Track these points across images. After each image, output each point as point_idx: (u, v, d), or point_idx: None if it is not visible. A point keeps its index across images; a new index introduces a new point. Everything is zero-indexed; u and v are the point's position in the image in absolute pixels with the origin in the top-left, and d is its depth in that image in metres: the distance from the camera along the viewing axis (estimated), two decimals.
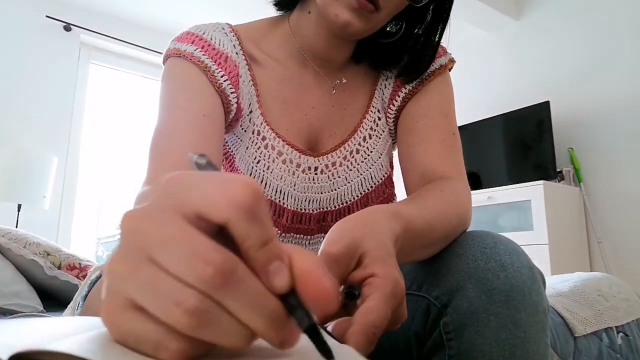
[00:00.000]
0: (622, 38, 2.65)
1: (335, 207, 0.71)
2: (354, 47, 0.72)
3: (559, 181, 2.69)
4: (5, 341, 0.22)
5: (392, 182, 0.78)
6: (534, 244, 2.43)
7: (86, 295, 0.44)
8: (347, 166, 0.71)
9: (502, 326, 0.46)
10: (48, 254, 1.45)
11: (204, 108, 0.60)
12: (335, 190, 0.71)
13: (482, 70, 3.29)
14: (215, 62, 0.63)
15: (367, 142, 0.72)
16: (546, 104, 2.70)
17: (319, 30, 0.68)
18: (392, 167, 0.79)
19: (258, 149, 0.68)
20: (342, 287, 0.37)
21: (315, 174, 0.70)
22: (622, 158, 2.60)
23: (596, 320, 1.08)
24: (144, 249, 0.22)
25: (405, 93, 0.71)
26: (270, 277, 0.23)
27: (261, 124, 0.68)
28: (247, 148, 0.68)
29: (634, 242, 2.51)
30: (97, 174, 3.39)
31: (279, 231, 0.70)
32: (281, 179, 0.68)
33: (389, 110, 0.73)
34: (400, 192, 0.69)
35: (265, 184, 0.68)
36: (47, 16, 3.12)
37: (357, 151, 0.72)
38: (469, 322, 0.47)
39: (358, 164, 0.72)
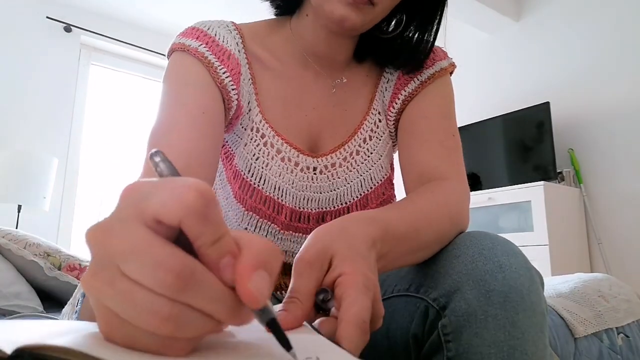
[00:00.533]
0: (623, 39, 2.65)
1: (334, 207, 0.71)
2: (355, 46, 0.73)
3: (559, 182, 2.69)
4: (9, 337, 0.22)
5: (392, 184, 0.78)
6: (534, 245, 2.43)
7: (85, 293, 0.44)
8: (347, 167, 0.71)
9: (500, 327, 0.45)
10: (48, 255, 1.45)
11: (204, 105, 0.60)
12: (334, 190, 0.71)
13: (482, 72, 3.29)
14: (218, 58, 0.64)
15: (368, 144, 0.72)
16: (546, 105, 2.70)
17: (318, 31, 0.68)
18: (392, 169, 0.79)
19: (257, 146, 0.68)
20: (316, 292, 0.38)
21: (314, 173, 0.70)
22: (622, 159, 2.60)
23: (596, 321, 1.08)
24: (112, 262, 0.23)
25: (405, 95, 0.71)
26: (220, 273, 0.25)
27: (260, 121, 0.68)
28: (245, 145, 0.68)
29: (634, 243, 2.51)
30: (97, 175, 3.39)
31: (278, 228, 0.70)
32: (279, 176, 0.68)
33: (389, 112, 0.73)
34: (400, 194, 0.69)
35: (264, 181, 0.68)
36: (47, 17, 3.13)
37: (357, 152, 0.72)
38: (467, 324, 0.47)
39: (358, 165, 0.72)
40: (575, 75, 2.82)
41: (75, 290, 0.52)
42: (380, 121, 0.74)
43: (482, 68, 3.29)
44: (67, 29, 3.21)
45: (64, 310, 0.91)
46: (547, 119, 2.68)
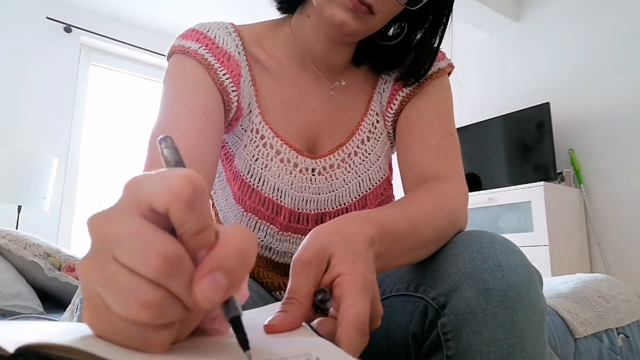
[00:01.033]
0: (622, 39, 2.66)
1: (333, 208, 0.71)
2: (353, 51, 0.73)
3: (559, 182, 2.69)
4: (11, 337, 0.22)
5: (391, 184, 0.78)
6: (535, 245, 2.43)
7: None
8: (345, 168, 0.71)
9: (499, 326, 0.46)
10: (48, 255, 1.45)
11: (204, 106, 0.61)
12: (333, 191, 0.71)
13: (482, 72, 3.29)
14: (218, 60, 0.64)
15: (365, 145, 0.73)
16: (546, 106, 2.70)
17: (318, 34, 0.68)
18: (391, 169, 0.79)
19: (256, 147, 0.68)
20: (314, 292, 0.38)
21: (313, 175, 0.70)
22: (622, 159, 2.60)
23: (597, 322, 1.08)
24: (106, 248, 0.24)
25: (403, 96, 0.72)
26: (196, 265, 0.26)
27: (260, 122, 0.68)
28: (245, 146, 0.69)
29: (635, 243, 2.51)
30: (97, 175, 3.39)
31: (277, 229, 0.70)
32: (279, 177, 0.68)
33: (387, 113, 0.73)
34: (399, 194, 0.69)
35: (263, 182, 0.68)
36: (47, 17, 3.13)
37: (355, 153, 0.72)
38: (467, 323, 0.47)
39: (356, 166, 0.72)
40: (576, 76, 2.82)
41: (74, 296, 0.52)
42: (378, 122, 0.74)
43: (482, 68, 3.29)
44: (67, 29, 3.21)
45: (62, 317, 0.90)
46: (547, 119, 2.68)
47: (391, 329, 0.55)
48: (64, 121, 3.16)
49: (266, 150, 0.68)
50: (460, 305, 0.48)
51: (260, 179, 0.68)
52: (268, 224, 0.70)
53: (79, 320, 0.43)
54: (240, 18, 0.74)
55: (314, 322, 0.36)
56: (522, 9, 3.14)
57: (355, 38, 0.66)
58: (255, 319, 0.34)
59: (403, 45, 0.71)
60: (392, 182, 0.79)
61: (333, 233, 0.41)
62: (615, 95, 2.65)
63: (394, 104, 0.72)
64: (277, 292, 0.73)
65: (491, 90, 3.23)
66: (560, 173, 2.72)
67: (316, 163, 0.70)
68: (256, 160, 0.68)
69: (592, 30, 2.78)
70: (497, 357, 0.45)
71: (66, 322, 0.62)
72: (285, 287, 0.71)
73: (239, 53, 0.68)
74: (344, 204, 0.72)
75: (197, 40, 0.65)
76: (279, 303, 0.36)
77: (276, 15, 0.76)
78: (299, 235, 0.71)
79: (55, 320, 1.12)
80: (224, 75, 0.64)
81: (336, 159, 0.71)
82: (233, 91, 0.65)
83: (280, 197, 0.69)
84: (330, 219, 0.71)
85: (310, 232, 0.42)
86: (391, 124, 0.74)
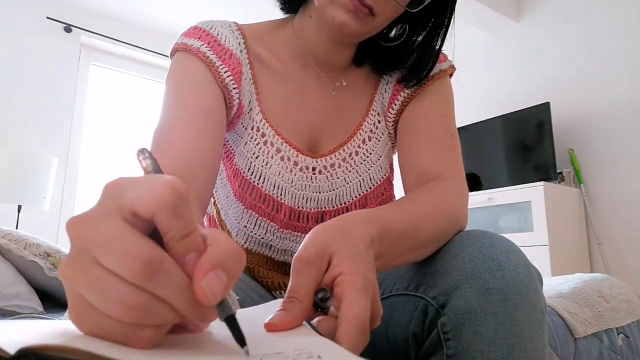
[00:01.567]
0: (622, 39, 2.66)
1: (333, 207, 0.72)
2: (354, 52, 0.73)
3: (559, 182, 2.69)
4: (11, 338, 0.23)
5: (392, 184, 0.78)
6: (534, 245, 2.43)
7: None
8: (346, 167, 0.71)
9: (499, 325, 0.46)
10: (48, 255, 1.45)
11: (205, 105, 0.61)
12: (333, 190, 0.71)
13: (482, 72, 3.29)
14: (220, 58, 0.64)
15: (367, 144, 0.73)
16: (546, 105, 2.70)
17: (320, 35, 0.69)
18: (392, 169, 0.79)
19: (257, 144, 0.68)
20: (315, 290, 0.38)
21: (314, 173, 0.70)
22: (622, 159, 2.60)
23: (596, 322, 1.08)
24: (88, 251, 0.25)
25: (404, 97, 0.72)
26: (185, 267, 0.26)
27: (260, 120, 0.68)
28: (246, 144, 0.69)
29: (634, 243, 2.51)
30: (97, 175, 3.39)
31: (277, 226, 0.70)
32: (279, 174, 0.68)
33: (388, 113, 0.73)
34: (400, 194, 0.69)
35: (264, 179, 0.68)
36: (47, 17, 3.13)
37: (357, 153, 0.72)
38: (467, 322, 0.47)
39: (357, 166, 0.72)
40: (576, 76, 2.82)
41: None
42: (379, 122, 0.74)
43: (483, 68, 3.29)
44: (67, 29, 3.21)
45: (63, 316, 0.90)
46: (547, 119, 2.68)
47: (391, 329, 0.55)
48: (64, 121, 3.16)
49: (267, 147, 0.68)
50: (460, 304, 0.48)
51: (260, 176, 0.68)
52: (268, 221, 0.70)
53: None
54: (242, 18, 0.74)
55: (314, 321, 0.36)
56: (523, 9, 3.14)
57: (356, 39, 0.66)
58: (255, 316, 0.34)
59: (404, 47, 0.71)
60: (393, 182, 0.80)
61: (334, 232, 0.41)
62: (615, 95, 2.65)
63: (396, 105, 0.72)
64: (277, 292, 0.73)
65: (491, 90, 3.23)
66: (560, 173, 2.72)
67: (317, 162, 0.70)
68: (257, 157, 0.68)
69: (592, 30, 2.78)
70: (497, 356, 0.45)
71: (67, 319, 0.62)
72: (286, 286, 0.71)
73: (240, 51, 0.68)
74: (345, 203, 0.72)
75: (199, 38, 0.65)
76: (279, 301, 0.36)
77: (279, 15, 0.76)
78: (299, 234, 0.71)
79: (55, 320, 1.12)
80: (225, 72, 0.64)
81: (337, 159, 0.71)
82: (234, 89, 0.65)
83: (281, 195, 0.69)
84: (330, 218, 0.71)
85: (311, 230, 0.42)
86: (392, 124, 0.74)
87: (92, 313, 0.25)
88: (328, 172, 0.71)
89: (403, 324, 0.54)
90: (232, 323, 0.28)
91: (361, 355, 0.32)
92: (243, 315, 0.32)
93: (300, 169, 0.69)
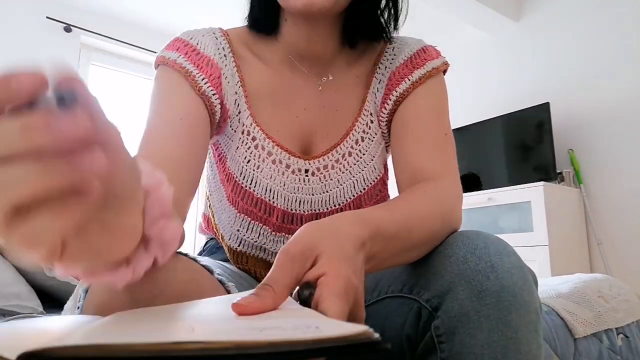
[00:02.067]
0: (622, 39, 2.66)
1: (327, 209, 0.71)
2: (338, 39, 0.72)
3: (559, 182, 2.69)
4: (10, 344, 0.23)
5: (386, 185, 0.78)
6: (534, 245, 2.43)
7: (87, 289, 0.44)
8: (340, 169, 0.71)
9: (493, 328, 0.45)
10: None
11: (182, 112, 0.62)
12: (327, 192, 0.71)
13: (482, 72, 3.29)
14: (197, 66, 0.65)
15: (360, 145, 0.72)
16: (546, 105, 2.70)
17: (298, 30, 0.69)
18: (386, 170, 0.78)
19: (248, 148, 0.68)
20: (297, 287, 0.38)
21: (306, 176, 0.70)
22: (622, 159, 2.60)
23: (596, 322, 1.08)
24: None
25: (397, 96, 0.71)
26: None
27: (250, 124, 0.68)
28: (237, 148, 0.69)
29: (634, 243, 2.51)
30: None
31: (270, 229, 0.70)
32: (271, 178, 0.68)
33: (381, 113, 0.73)
34: (395, 195, 0.69)
35: (255, 183, 0.69)
36: (47, 17, 3.13)
37: (350, 154, 0.72)
38: (460, 325, 0.47)
39: (350, 167, 0.72)
40: (575, 76, 2.82)
41: (77, 286, 0.53)
42: (372, 122, 0.73)
43: (482, 68, 3.29)
44: (67, 29, 3.21)
45: (66, 305, 0.91)
46: (547, 119, 2.68)
47: (386, 331, 0.55)
48: None
49: (257, 151, 0.68)
50: (453, 307, 0.47)
51: (252, 180, 0.68)
52: (261, 225, 0.70)
53: (82, 310, 0.43)
54: (242, 18, 0.74)
55: None
56: (522, 9, 3.14)
57: (330, 11, 0.65)
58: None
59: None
60: (388, 182, 0.79)
61: (325, 232, 0.41)
62: (615, 95, 2.65)
63: (388, 104, 0.72)
64: None
65: (491, 90, 3.23)
66: (560, 173, 2.72)
67: (309, 164, 0.70)
68: (248, 161, 0.68)
69: (592, 30, 2.78)
70: (492, 359, 0.45)
71: (69, 312, 0.62)
72: None
73: (224, 55, 0.69)
74: (339, 204, 0.72)
75: (177, 50, 0.66)
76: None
77: None
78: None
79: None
80: (202, 80, 0.64)
81: (330, 160, 0.71)
82: (213, 94, 0.65)
83: (273, 198, 0.69)
84: None
85: (304, 226, 0.42)
86: (385, 124, 0.73)
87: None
88: (321, 173, 0.70)
89: (398, 326, 0.54)
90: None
91: (357, 357, 0.32)
92: (237, 297, 0.32)
93: (293, 172, 0.69)
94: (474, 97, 3.25)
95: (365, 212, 0.48)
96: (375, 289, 0.59)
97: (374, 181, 0.74)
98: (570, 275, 1.40)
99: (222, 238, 0.77)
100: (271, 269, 0.37)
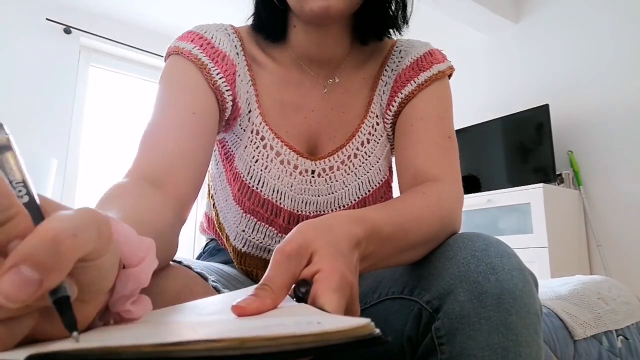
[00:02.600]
0: (621, 41, 2.66)
1: (332, 210, 0.71)
2: (349, 37, 0.73)
3: (558, 184, 2.69)
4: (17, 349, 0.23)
5: (391, 187, 0.78)
6: (534, 247, 2.43)
7: None
8: (345, 170, 0.71)
9: (493, 330, 0.45)
10: None
11: (194, 106, 0.61)
12: (332, 193, 0.71)
13: (481, 73, 3.29)
14: (212, 60, 0.65)
15: (365, 147, 0.73)
16: (545, 107, 2.71)
17: (308, 36, 0.69)
18: (391, 172, 0.79)
19: (257, 148, 0.68)
20: (294, 285, 0.38)
21: (313, 176, 0.70)
22: (622, 161, 2.60)
23: (596, 324, 1.08)
24: None
25: (402, 98, 0.71)
26: (6, 257, 0.23)
27: (260, 123, 0.68)
28: (245, 147, 0.69)
29: (634, 245, 2.51)
30: (97, 176, 3.39)
31: (276, 231, 0.70)
32: (278, 178, 0.68)
33: (386, 115, 0.73)
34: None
35: (263, 183, 0.68)
36: (47, 19, 3.13)
37: (355, 155, 0.72)
38: (461, 327, 0.47)
39: (356, 168, 0.72)
40: (575, 77, 2.82)
41: None
42: (378, 124, 0.74)
43: (482, 70, 3.30)
44: (67, 30, 3.21)
45: None
46: (546, 121, 2.69)
47: (387, 332, 0.55)
48: (63, 123, 3.15)
49: (266, 151, 0.68)
50: (454, 309, 0.47)
51: (259, 180, 0.68)
52: (267, 225, 0.70)
53: None
54: (242, 19, 0.74)
55: None
56: (521, 11, 3.15)
57: (346, 14, 0.65)
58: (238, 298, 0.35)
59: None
60: (392, 185, 0.79)
61: (319, 230, 0.41)
62: (615, 96, 2.65)
63: (393, 105, 0.72)
64: None
65: (490, 92, 3.23)
66: (560, 175, 2.72)
67: (316, 165, 0.70)
68: (256, 161, 0.68)
69: (591, 32, 2.79)
70: None
71: None
72: None
73: (237, 53, 0.69)
74: (343, 206, 0.72)
75: (192, 41, 0.66)
76: (255, 286, 0.36)
77: None
78: None
79: None
80: (217, 74, 0.64)
81: (336, 161, 0.71)
82: (227, 90, 0.65)
83: (280, 199, 0.69)
84: None
85: (298, 225, 0.42)
86: (390, 126, 0.74)
87: None
88: (327, 174, 0.71)
89: (398, 328, 0.54)
90: (62, 306, 0.24)
91: (357, 358, 0.32)
92: (234, 297, 0.32)
93: (300, 172, 0.69)
94: (473, 98, 3.26)
95: (360, 212, 0.48)
96: (376, 291, 0.59)
97: (379, 183, 0.74)
98: (569, 277, 1.40)
99: (226, 238, 0.76)
100: (268, 269, 0.37)
